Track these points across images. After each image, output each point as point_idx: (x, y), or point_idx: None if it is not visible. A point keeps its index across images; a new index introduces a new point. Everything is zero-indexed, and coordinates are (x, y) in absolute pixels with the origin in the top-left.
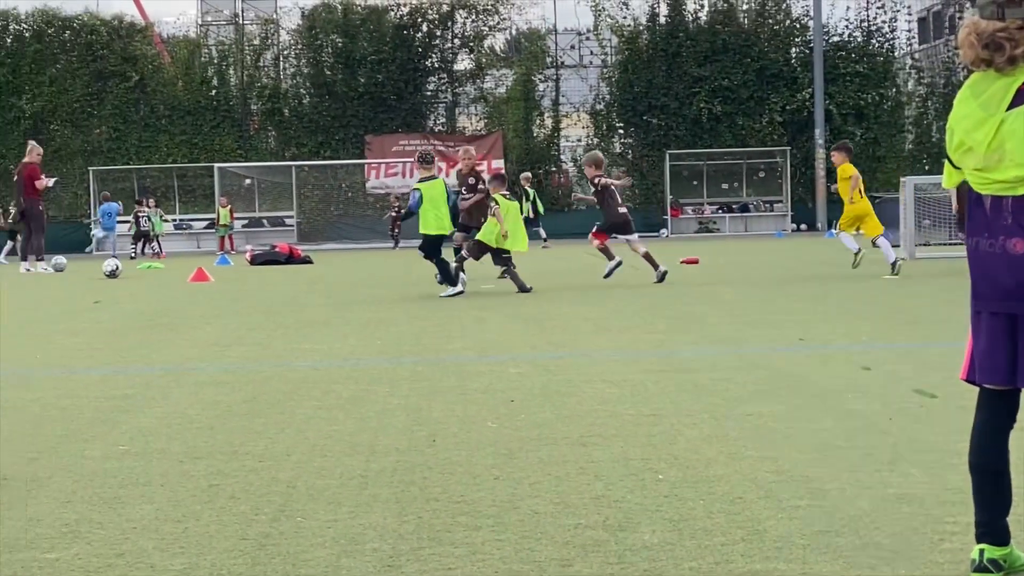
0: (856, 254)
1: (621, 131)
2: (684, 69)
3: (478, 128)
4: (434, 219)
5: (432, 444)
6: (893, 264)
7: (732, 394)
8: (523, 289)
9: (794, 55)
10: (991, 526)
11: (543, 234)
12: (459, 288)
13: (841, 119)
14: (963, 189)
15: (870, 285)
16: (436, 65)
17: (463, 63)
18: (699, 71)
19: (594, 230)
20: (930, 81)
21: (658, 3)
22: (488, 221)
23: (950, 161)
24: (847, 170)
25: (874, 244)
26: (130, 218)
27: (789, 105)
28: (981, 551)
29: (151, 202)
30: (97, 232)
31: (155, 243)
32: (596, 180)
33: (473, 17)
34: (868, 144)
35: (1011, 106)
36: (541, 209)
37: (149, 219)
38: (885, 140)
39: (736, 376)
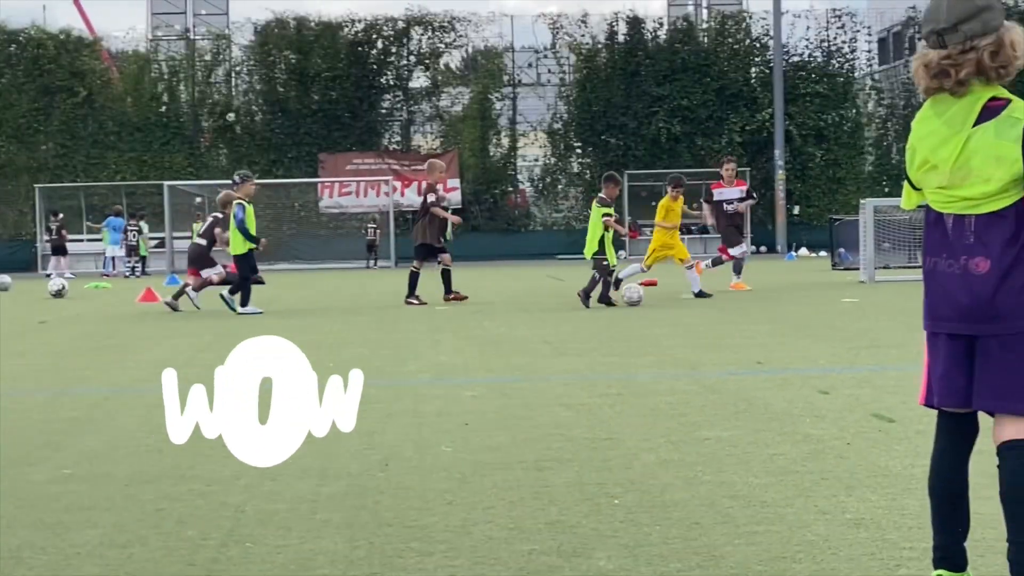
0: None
1: (579, 150)
2: (643, 88)
3: (434, 147)
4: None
5: (385, 468)
6: (698, 293)
7: (689, 418)
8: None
9: (754, 75)
10: (949, 550)
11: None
12: (255, 310)
13: (801, 140)
14: None
15: (829, 308)
16: (391, 82)
17: (419, 81)
18: (658, 90)
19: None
20: (890, 102)
21: (617, 21)
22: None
23: (910, 182)
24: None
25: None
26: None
27: (749, 125)
28: None
29: (137, 219)
30: (114, 250)
31: (140, 261)
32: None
33: (429, 34)
34: (828, 165)
35: (976, 123)
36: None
37: (137, 235)
38: (845, 161)
39: (693, 400)
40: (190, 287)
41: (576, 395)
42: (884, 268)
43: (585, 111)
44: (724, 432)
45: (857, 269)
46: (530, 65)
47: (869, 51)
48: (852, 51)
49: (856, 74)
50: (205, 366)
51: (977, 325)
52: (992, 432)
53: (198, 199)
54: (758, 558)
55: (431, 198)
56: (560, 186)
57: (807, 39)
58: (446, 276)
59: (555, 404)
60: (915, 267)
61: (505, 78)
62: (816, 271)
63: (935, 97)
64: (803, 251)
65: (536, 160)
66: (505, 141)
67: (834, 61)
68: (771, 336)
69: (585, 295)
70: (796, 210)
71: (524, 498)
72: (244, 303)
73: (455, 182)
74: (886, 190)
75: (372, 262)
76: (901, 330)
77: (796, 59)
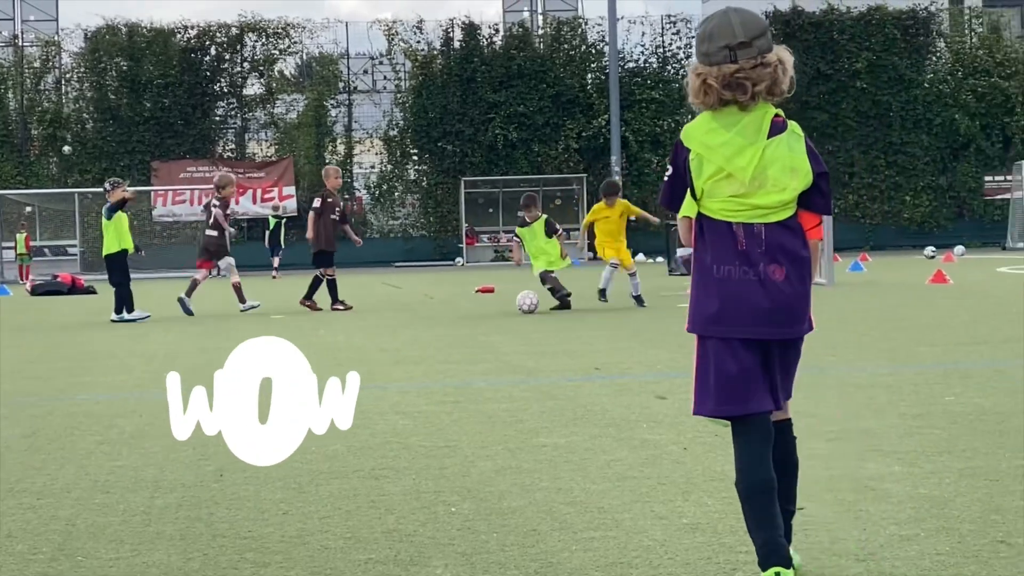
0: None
1: (415, 157)
2: (479, 95)
3: (268, 154)
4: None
5: (219, 479)
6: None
7: (527, 425)
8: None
9: (590, 81)
10: (775, 544)
11: (275, 264)
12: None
13: (637, 146)
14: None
15: (666, 314)
16: (225, 89)
17: (253, 88)
18: (494, 97)
19: None
20: None
21: (452, 27)
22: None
23: (692, 192)
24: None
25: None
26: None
27: (585, 132)
28: (777, 573)
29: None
30: None
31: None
32: None
33: (263, 41)
34: (664, 171)
35: (769, 135)
36: (282, 239)
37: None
38: None
39: (531, 406)
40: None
41: (413, 403)
42: None
43: (421, 118)
44: (561, 439)
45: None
46: (366, 71)
47: None
48: (687, 57)
49: None
50: (34, 378)
51: (779, 329)
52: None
53: (28, 208)
54: (595, 564)
55: (317, 203)
56: (397, 193)
57: (643, 45)
58: (315, 282)
59: (392, 412)
60: None
61: (340, 85)
62: (653, 276)
63: (716, 111)
64: (639, 257)
65: (372, 167)
66: (341, 148)
67: (669, 67)
68: (609, 342)
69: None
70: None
71: (361, 507)
72: (130, 309)
73: (291, 189)
74: None
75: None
76: None
77: (632, 65)
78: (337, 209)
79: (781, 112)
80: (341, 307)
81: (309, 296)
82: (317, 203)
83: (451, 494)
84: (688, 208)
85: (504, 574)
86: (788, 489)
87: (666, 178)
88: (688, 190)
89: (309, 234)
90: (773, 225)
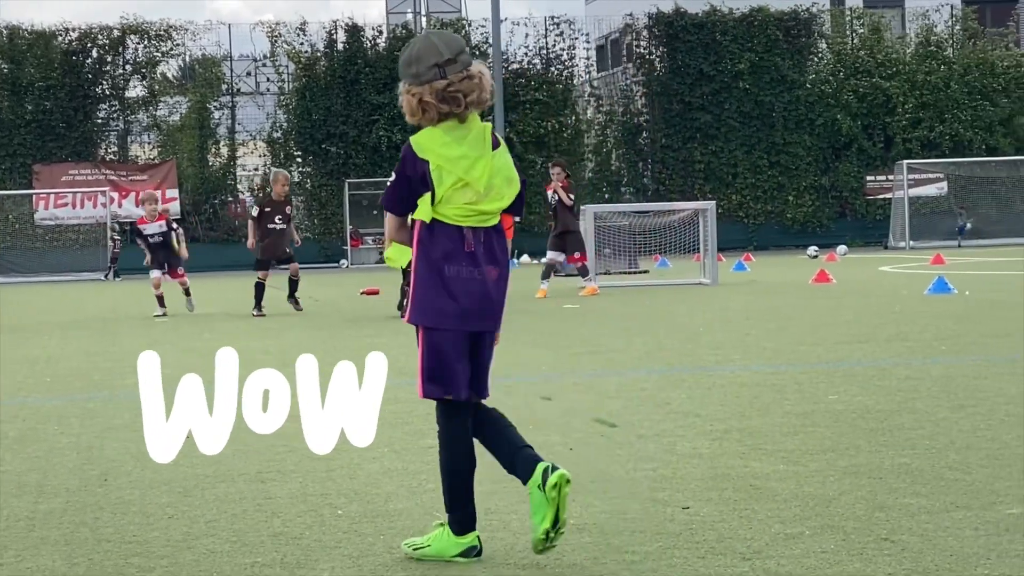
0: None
1: (299, 159)
2: (363, 96)
3: (151, 157)
4: None
5: (104, 483)
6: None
7: (413, 427)
8: None
9: None
10: (470, 517)
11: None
12: None
13: (522, 147)
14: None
15: (551, 315)
16: (107, 92)
17: (135, 90)
18: (378, 98)
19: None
20: (609, 108)
21: (336, 29)
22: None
23: (432, 198)
24: None
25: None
26: None
27: None
28: (477, 537)
29: None
30: None
31: None
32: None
33: (145, 43)
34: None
35: (493, 147)
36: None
37: None
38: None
39: (417, 408)
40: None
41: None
42: (605, 274)
43: (305, 120)
44: None
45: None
46: (249, 74)
47: (588, 58)
48: (571, 58)
49: (575, 81)
50: None
51: (492, 324)
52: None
53: None
54: (482, 565)
55: (255, 212)
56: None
57: (526, 46)
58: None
59: None
60: (636, 272)
61: (223, 87)
62: (537, 278)
63: (442, 126)
64: (525, 258)
65: (256, 169)
66: (224, 150)
67: (553, 68)
68: None
69: None
70: (517, 217)
71: (247, 511)
72: None
73: (174, 192)
74: (606, 196)
75: (111, 274)
76: (622, 335)
77: (516, 66)
78: (279, 217)
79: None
80: (258, 312)
81: (291, 295)
82: (255, 211)
83: (337, 496)
84: (423, 212)
85: (392, 575)
86: (513, 438)
87: (390, 183)
88: (420, 196)
89: (250, 242)
90: (490, 229)
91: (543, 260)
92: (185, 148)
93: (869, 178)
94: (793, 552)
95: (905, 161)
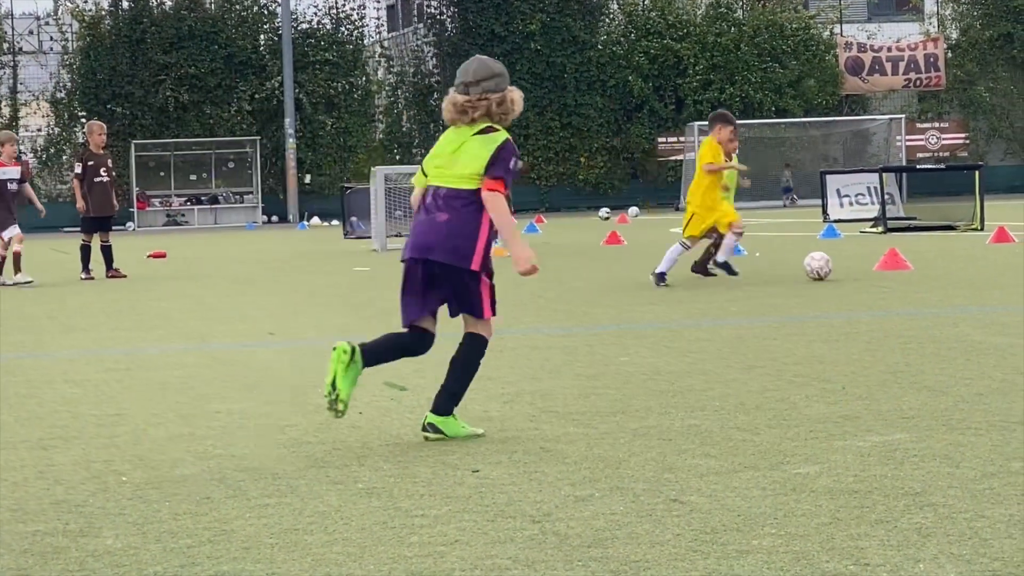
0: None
1: (84, 120)
2: (149, 56)
3: None
4: None
5: None
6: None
7: (199, 391)
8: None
9: (263, 42)
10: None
11: None
12: None
13: (312, 108)
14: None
15: (341, 278)
16: None
17: None
18: (165, 58)
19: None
20: (400, 69)
21: None
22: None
23: (423, 171)
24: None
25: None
26: None
27: (258, 94)
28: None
29: None
30: None
31: None
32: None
33: None
34: (339, 134)
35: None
36: None
37: None
38: (356, 130)
39: (203, 373)
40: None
41: (82, 371)
42: (396, 236)
43: (89, 80)
44: (236, 405)
45: (369, 238)
46: (31, 32)
47: (378, 18)
48: (361, 18)
49: (366, 41)
50: None
51: (431, 253)
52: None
53: None
54: (270, 531)
55: (78, 168)
56: (65, 157)
57: (315, 6)
58: (95, 251)
59: (60, 381)
60: None
61: (4, 46)
62: (329, 241)
63: (454, 127)
64: (315, 220)
65: (39, 130)
66: (6, 111)
67: (343, 28)
68: (284, 307)
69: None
70: (307, 179)
71: (28, 478)
72: None
73: None
74: (397, 158)
75: None
76: None
77: (305, 26)
78: (103, 170)
79: (499, 127)
80: (87, 275)
81: (109, 266)
82: (78, 168)
83: (122, 463)
84: (416, 180)
85: (176, 543)
86: (451, 375)
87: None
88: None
89: (79, 204)
90: (450, 189)
91: None
92: None
93: (660, 140)
94: (583, 514)
95: (696, 123)
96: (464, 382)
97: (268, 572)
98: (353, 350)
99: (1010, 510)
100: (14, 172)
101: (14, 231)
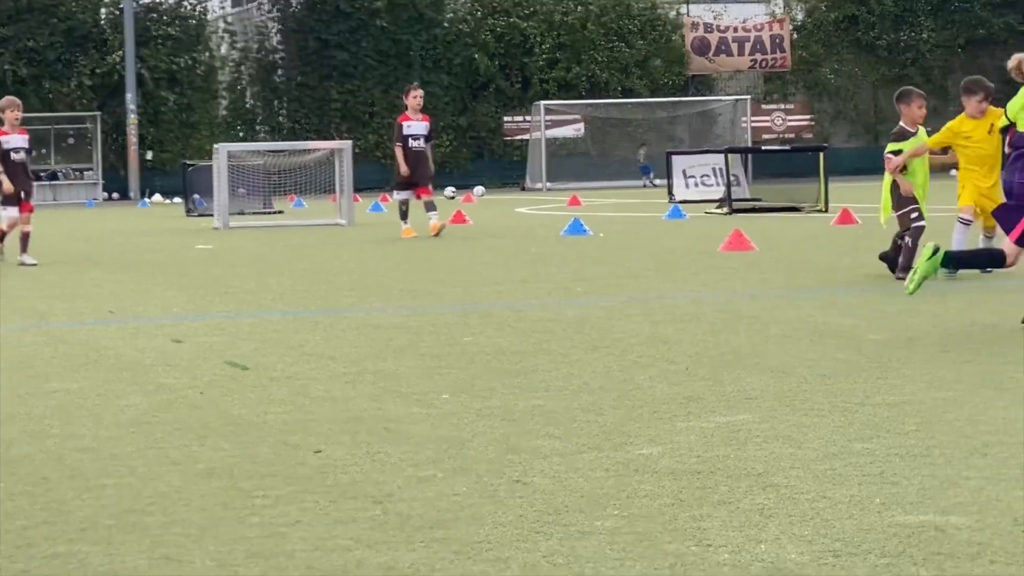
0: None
1: None
2: None
3: None
4: None
5: None
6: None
7: (36, 370)
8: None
9: (104, 16)
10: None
11: None
12: None
13: (154, 84)
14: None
15: (183, 256)
16: None
17: None
18: (2, 31)
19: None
20: (244, 46)
21: None
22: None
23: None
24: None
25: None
26: None
27: (99, 69)
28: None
29: None
30: None
31: None
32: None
33: None
34: (182, 110)
35: None
36: None
37: None
38: (199, 106)
39: (41, 352)
40: None
41: None
42: (239, 214)
43: None
44: (73, 384)
45: (211, 215)
46: None
47: None
48: None
49: (209, 17)
50: None
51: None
52: None
53: None
54: (108, 512)
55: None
56: None
57: None
58: None
59: None
60: (270, 212)
61: None
62: (170, 218)
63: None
64: (157, 197)
65: None
66: None
67: (186, 3)
68: (124, 285)
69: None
70: (149, 155)
71: None
72: None
73: None
74: (240, 135)
75: None
76: (254, 276)
77: (147, 1)
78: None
79: None
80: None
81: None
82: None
83: None
84: None
85: (12, 524)
86: (971, 252)
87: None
88: None
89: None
90: None
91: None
92: None
93: (507, 119)
94: (426, 495)
95: (543, 102)
96: (971, 264)
97: (106, 554)
98: (936, 249)
99: (851, 490)
100: (20, 140)
101: (14, 212)
